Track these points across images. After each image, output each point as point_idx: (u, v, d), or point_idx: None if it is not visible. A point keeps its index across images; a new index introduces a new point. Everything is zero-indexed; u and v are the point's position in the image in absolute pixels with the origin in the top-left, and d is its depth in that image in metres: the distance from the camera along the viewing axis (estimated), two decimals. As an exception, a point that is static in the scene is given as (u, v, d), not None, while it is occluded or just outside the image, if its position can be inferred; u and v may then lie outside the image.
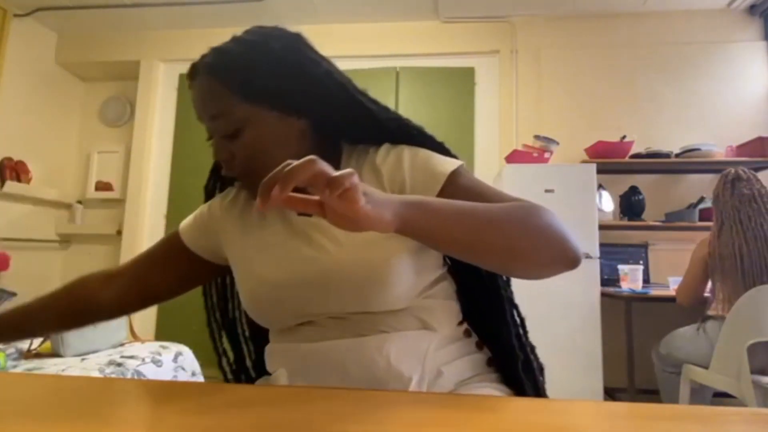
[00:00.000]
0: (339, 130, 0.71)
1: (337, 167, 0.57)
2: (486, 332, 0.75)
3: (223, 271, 0.80)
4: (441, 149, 0.68)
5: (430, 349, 0.64)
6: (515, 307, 0.74)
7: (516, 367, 0.70)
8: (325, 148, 0.69)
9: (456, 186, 0.62)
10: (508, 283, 0.74)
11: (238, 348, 0.88)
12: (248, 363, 0.88)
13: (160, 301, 0.83)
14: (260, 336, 0.85)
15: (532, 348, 0.74)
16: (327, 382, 0.62)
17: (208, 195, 0.86)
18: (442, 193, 0.61)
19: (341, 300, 0.62)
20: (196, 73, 0.65)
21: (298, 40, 0.67)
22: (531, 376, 0.71)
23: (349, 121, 0.67)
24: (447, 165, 0.63)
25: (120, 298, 0.81)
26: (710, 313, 1.89)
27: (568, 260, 0.55)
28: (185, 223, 0.81)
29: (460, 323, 0.73)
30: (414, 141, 0.68)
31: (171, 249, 0.80)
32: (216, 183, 0.87)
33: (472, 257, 0.54)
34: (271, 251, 0.67)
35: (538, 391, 0.72)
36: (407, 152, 0.66)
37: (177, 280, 0.80)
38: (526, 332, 0.74)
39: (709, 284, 1.99)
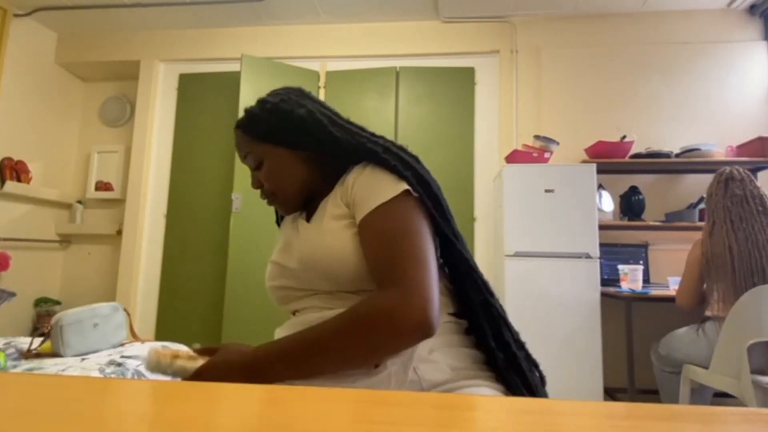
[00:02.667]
0: (334, 156, 0.85)
1: (331, 189, 0.84)
2: (473, 328, 0.77)
3: None
4: (397, 169, 0.75)
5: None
6: (492, 307, 0.76)
7: (507, 369, 0.73)
8: (330, 170, 0.87)
9: (372, 223, 0.72)
10: (486, 286, 0.77)
11: None
12: None
13: None
14: None
15: (520, 345, 0.76)
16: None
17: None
18: (363, 221, 0.73)
19: (315, 277, 0.76)
20: (236, 128, 0.90)
21: (294, 91, 0.90)
22: (518, 373, 0.73)
23: (333, 147, 0.83)
24: (381, 195, 0.72)
25: None
26: (708, 313, 1.89)
27: (399, 341, 0.64)
28: None
29: (451, 315, 0.77)
30: (377, 159, 0.78)
31: None
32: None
33: (318, 375, 0.66)
34: (281, 245, 0.87)
35: (531, 389, 0.73)
36: (356, 171, 0.79)
37: None
38: (509, 329, 0.76)
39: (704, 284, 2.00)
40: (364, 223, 0.72)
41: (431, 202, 0.75)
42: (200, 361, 0.72)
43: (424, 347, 0.70)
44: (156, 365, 0.72)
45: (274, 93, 0.90)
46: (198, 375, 0.68)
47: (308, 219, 0.87)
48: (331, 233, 0.76)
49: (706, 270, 1.92)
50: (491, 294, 0.78)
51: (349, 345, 0.63)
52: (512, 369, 0.73)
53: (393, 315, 0.62)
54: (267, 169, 0.86)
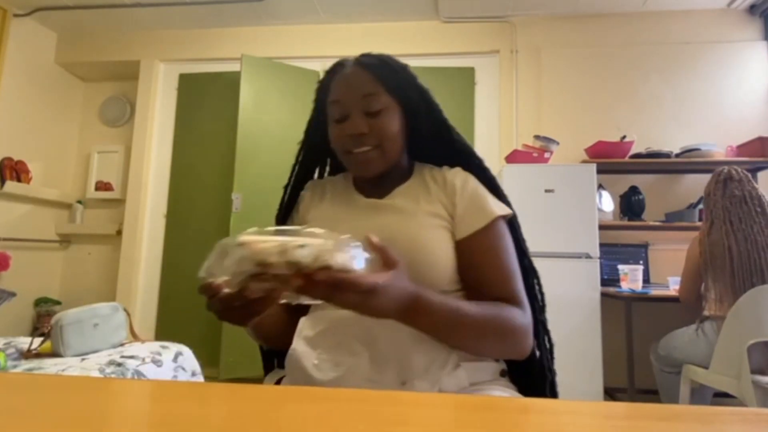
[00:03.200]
0: (421, 149, 0.87)
1: (409, 174, 0.85)
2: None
3: None
4: (496, 189, 0.83)
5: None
6: (548, 333, 0.84)
7: (544, 386, 0.80)
8: (405, 157, 0.86)
9: (484, 240, 0.75)
10: (543, 309, 0.83)
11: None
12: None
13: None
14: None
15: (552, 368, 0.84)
16: (352, 347, 0.69)
17: (292, 198, 0.95)
18: (478, 233, 0.75)
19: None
20: (344, 66, 0.82)
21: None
22: (554, 394, 0.81)
23: (438, 142, 0.84)
24: (494, 210, 0.77)
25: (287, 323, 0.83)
26: (707, 313, 1.89)
27: (518, 356, 0.73)
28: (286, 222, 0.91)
29: None
30: (479, 169, 0.83)
31: None
32: (294, 187, 0.96)
33: (447, 345, 0.70)
34: (336, 225, 0.73)
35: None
36: (473, 182, 0.80)
37: None
38: (553, 358, 0.84)
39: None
40: (478, 237, 0.75)
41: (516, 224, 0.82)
42: (340, 255, 0.52)
43: (452, 362, 0.71)
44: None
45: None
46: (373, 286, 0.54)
47: (368, 197, 0.82)
48: (428, 229, 0.74)
49: (704, 268, 1.92)
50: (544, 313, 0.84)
51: (493, 340, 0.69)
52: (553, 392, 0.81)
53: (525, 332, 0.72)
54: (388, 119, 0.78)
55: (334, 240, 0.52)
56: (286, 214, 0.92)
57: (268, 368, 0.92)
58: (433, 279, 0.71)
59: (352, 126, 0.77)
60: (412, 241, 0.72)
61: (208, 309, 0.58)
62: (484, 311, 0.68)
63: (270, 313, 0.71)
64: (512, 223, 0.81)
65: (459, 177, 0.80)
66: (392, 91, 0.79)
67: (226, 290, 0.54)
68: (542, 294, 0.82)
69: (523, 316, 0.71)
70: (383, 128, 0.77)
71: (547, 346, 0.83)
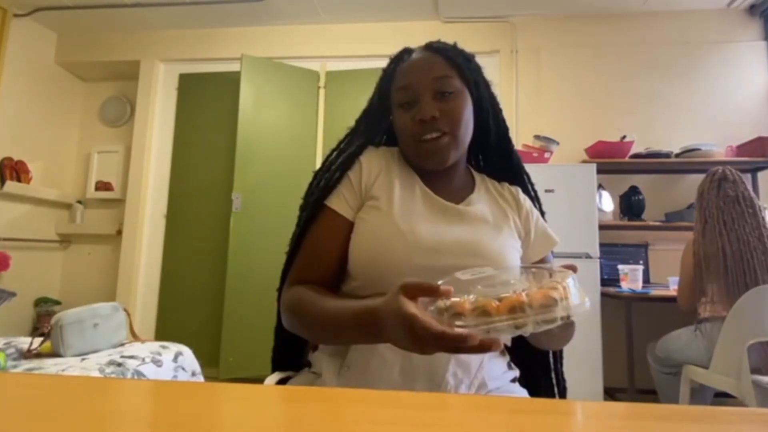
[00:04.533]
0: (479, 151, 0.89)
1: (473, 180, 0.85)
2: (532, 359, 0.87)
3: None
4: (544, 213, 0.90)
5: (485, 359, 0.73)
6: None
7: (554, 391, 0.86)
8: (463, 159, 0.84)
9: (547, 261, 0.85)
10: None
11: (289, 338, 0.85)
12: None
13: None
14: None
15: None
16: (385, 356, 0.68)
17: (350, 159, 0.81)
18: (542, 258, 0.84)
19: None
20: (414, 51, 0.80)
21: None
22: (563, 394, 0.86)
23: (497, 141, 0.85)
24: (554, 238, 0.86)
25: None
26: (704, 314, 1.90)
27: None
28: (331, 199, 0.77)
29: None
30: (532, 194, 0.89)
31: (336, 231, 0.76)
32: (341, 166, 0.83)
33: (539, 345, 0.79)
34: (412, 216, 0.74)
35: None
36: (536, 211, 0.86)
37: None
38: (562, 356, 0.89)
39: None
40: (545, 260, 0.84)
41: None
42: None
43: (477, 381, 0.72)
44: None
45: None
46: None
47: (439, 195, 0.79)
48: (510, 246, 0.77)
49: (698, 268, 1.93)
50: None
51: (568, 335, 0.73)
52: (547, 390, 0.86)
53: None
54: (459, 103, 0.75)
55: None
56: (327, 190, 0.78)
57: (277, 367, 0.90)
58: None
59: (422, 110, 0.73)
60: (498, 255, 0.72)
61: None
62: None
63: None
64: None
65: (528, 203, 0.84)
66: (464, 77, 0.77)
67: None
68: None
69: None
70: (455, 112, 0.74)
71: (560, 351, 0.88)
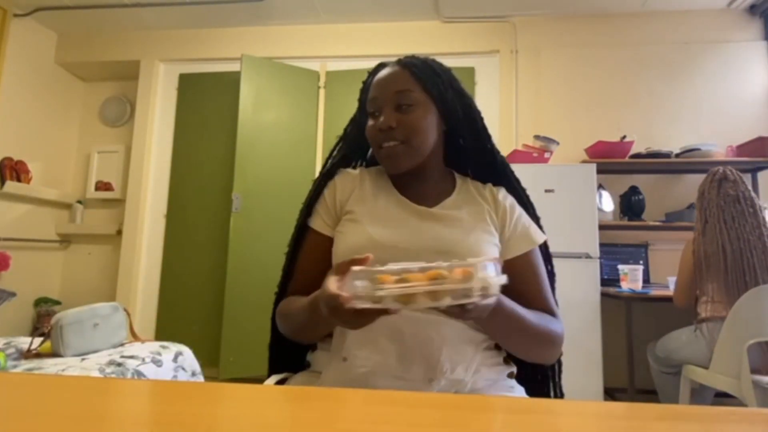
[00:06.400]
0: (457, 155, 0.91)
1: (452, 184, 0.88)
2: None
3: None
4: (533, 211, 0.91)
5: (480, 346, 0.77)
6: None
7: (549, 386, 0.88)
8: (443, 164, 0.89)
9: (529, 261, 0.83)
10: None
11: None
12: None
13: None
14: None
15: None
16: (380, 344, 0.72)
17: (328, 175, 0.90)
18: (522, 256, 0.82)
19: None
20: (385, 66, 0.86)
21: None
22: (561, 394, 0.89)
23: (472, 148, 0.88)
24: (537, 237, 0.85)
25: None
26: (704, 314, 1.90)
27: (551, 361, 0.84)
28: (317, 221, 0.85)
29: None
30: (517, 192, 0.90)
31: (318, 248, 0.84)
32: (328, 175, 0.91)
33: (506, 347, 0.80)
34: (386, 221, 0.80)
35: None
36: (519, 207, 0.87)
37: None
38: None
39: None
40: (526, 258, 0.82)
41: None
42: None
43: (475, 364, 0.75)
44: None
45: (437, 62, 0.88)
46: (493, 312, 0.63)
47: (416, 203, 0.83)
48: (484, 245, 0.78)
49: (698, 267, 1.94)
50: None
51: (543, 347, 0.78)
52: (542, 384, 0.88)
53: (562, 341, 0.81)
54: (417, 115, 0.80)
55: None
56: (308, 213, 0.87)
57: (273, 369, 0.91)
58: None
59: (385, 120, 0.80)
60: (470, 251, 0.74)
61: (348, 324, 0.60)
62: (539, 320, 0.75)
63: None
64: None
65: (509, 200, 0.86)
66: (428, 89, 0.81)
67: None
68: (555, 300, 0.88)
69: (560, 326, 0.80)
70: (411, 123, 0.79)
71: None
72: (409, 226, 0.79)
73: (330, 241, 0.83)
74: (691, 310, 2.05)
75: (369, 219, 0.80)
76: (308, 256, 0.84)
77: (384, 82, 0.83)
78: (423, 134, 0.80)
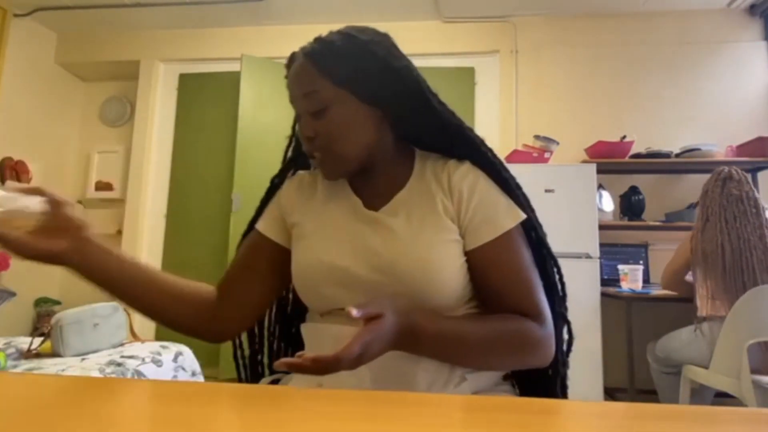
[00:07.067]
0: (411, 131, 0.76)
1: (409, 170, 0.74)
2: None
3: None
4: (508, 186, 0.74)
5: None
6: (568, 323, 0.77)
7: (555, 383, 0.74)
8: (399, 147, 0.75)
9: (493, 252, 0.69)
10: (563, 299, 0.77)
11: (255, 342, 0.88)
12: (263, 359, 0.89)
13: (264, 311, 0.82)
14: (284, 332, 0.88)
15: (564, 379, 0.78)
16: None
17: (274, 188, 0.86)
18: (487, 245, 0.68)
19: (392, 294, 0.66)
20: (296, 58, 0.72)
21: (385, 36, 0.72)
22: (564, 394, 0.75)
23: (419, 118, 0.73)
24: (506, 222, 0.69)
25: (232, 314, 0.79)
26: (703, 314, 1.90)
27: (535, 366, 0.69)
28: (262, 222, 0.81)
29: None
30: (484, 160, 0.73)
31: (261, 251, 0.78)
32: (281, 178, 0.87)
33: (455, 365, 0.67)
34: (334, 234, 0.72)
35: None
36: (482, 186, 0.71)
37: (278, 280, 0.79)
38: (570, 351, 0.77)
39: (689, 276, 2.03)
40: (487, 250, 0.68)
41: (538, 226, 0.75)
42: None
43: (456, 377, 0.67)
44: None
45: (357, 29, 0.71)
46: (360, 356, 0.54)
47: (367, 206, 0.72)
48: (436, 247, 0.67)
49: (694, 265, 1.94)
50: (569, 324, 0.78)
51: (502, 357, 0.67)
52: (563, 390, 0.76)
53: (541, 344, 0.67)
54: (333, 118, 0.67)
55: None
56: (263, 207, 0.83)
57: (256, 375, 0.88)
58: (442, 300, 0.67)
59: (302, 129, 0.71)
60: (417, 263, 0.66)
61: None
62: (491, 329, 0.65)
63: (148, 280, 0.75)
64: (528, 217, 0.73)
65: (466, 181, 0.70)
66: (341, 81, 0.67)
67: None
68: (563, 284, 0.77)
69: (539, 329, 0.67)
70: (328, 131, 0.68)
71: (565, 337, 0.77)
72: (355, 240, 0.70)
73: (269, 243, 0.77)
74: (671, 288, 2.09)
75: (317, 233, 0.72)
76: (242, 251, 0.80)
77: (292, 84, 0.71)
78: (344, 139, 0.68)
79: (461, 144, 0.74)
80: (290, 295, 0.88)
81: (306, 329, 0.75)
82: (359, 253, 0.68)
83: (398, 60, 0.69)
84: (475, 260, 0.69)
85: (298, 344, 0.83)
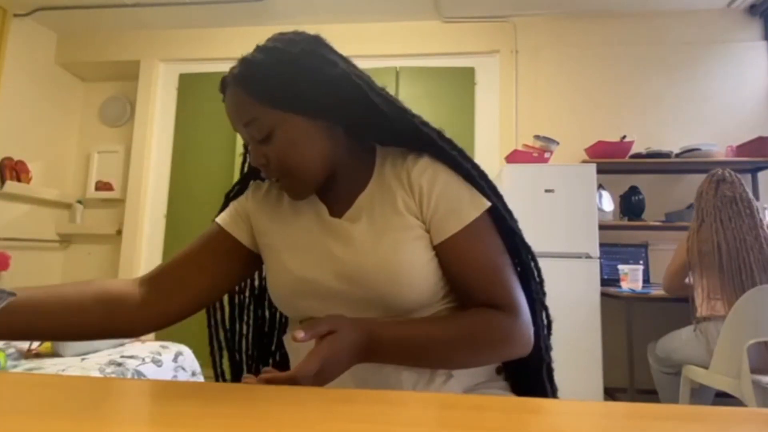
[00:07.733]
0: (368, 132, 0.75)
1: (370, 170, 0.72)
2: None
3: (260, 263, 0.79)
4: (469, 175, 0.71)
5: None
6: (545, 309, 0.76)
7: (540, 371, 0.73)
8: (357, 148, 0.74)
9: (459, 243, 0.67)
10: (541, 285, 0.76)
11: (234, 349, 0.89)
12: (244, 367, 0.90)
13: (202, 305, 0.76)
14: (264, 339, 0.88)
15: (550, 371, 0.76)
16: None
17: (228, 201, 0.84)
18: (453, 237, 0.67)
19: (364, 301, 0.66)
20: (227, 85, 0.68)
21: (316, 42, 0.68)
22: (551, 381, 0.75)
23: (368, 121, 0.70)
24: (470, 212, 0.68)
25: (158, 305, 0.71)
26: (703, 313, 1.90)
27: (510, 358, 0.68)
28: (222, 215, 0.79)
29: None
30: (443, 153, 0.71)
31: (212, 242, 0.75)
32: (239, 191, 0.85)
33: (424, 367, 0.67)
34: (301, 245, 0.71)
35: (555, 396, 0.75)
36: (442, 178, 0.69)
37: (221, 275, 0.75)
38: (550, 335, 0.76)
39: (689, 279, 2.03)
40: (453, 242, 0.67)
41: (507, 214, 0.72)
42: None
43: (442, 374, 0.67)
44: None
45: (284, 40, 0.67)
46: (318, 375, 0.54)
47: (332, 212, 0.72)
48: (401, 247, 0.66)
49: (691, 265, 1.95)
50: (548, 314, 0.76)
51: (472, 354, 0.65)
52: (550, 377, 0.75)
53: (513, 336, 0.65)
54: (281, 141, 0.65)
55: None
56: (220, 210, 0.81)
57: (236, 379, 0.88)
58: (415, 299, 0.66)
59: (252, 158, 0.69)
60: (381, 266, 0.65)
61: None
62: (456, 327, 0.64)
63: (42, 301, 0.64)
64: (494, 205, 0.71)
65: (426, 176, 0.68)
66: (279, 103, 0.64)
67: None
68: (539, 269, 0.75)
69: (509, 320, 0.65)
70: (279, 154, 0.66)
71: (544, 322, 0.76)
72: (320, 251, 0.69)
73: (224, 236, 0.75)
74: (674, 292, 2.09)
75: (285, 246, 0.71)
76: (191, 244, 0.76)
77: (230, 114, 0.68)
78: (299, 157, 0.66)
79: (417, 140, 0.71)
80: (266, 312, 0.89)
81: (287, 340, 0.76)
82: (325, 264, 0.68)
83: (334, 67, 0.66)
84: (443, 254, 0.67)
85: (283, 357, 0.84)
